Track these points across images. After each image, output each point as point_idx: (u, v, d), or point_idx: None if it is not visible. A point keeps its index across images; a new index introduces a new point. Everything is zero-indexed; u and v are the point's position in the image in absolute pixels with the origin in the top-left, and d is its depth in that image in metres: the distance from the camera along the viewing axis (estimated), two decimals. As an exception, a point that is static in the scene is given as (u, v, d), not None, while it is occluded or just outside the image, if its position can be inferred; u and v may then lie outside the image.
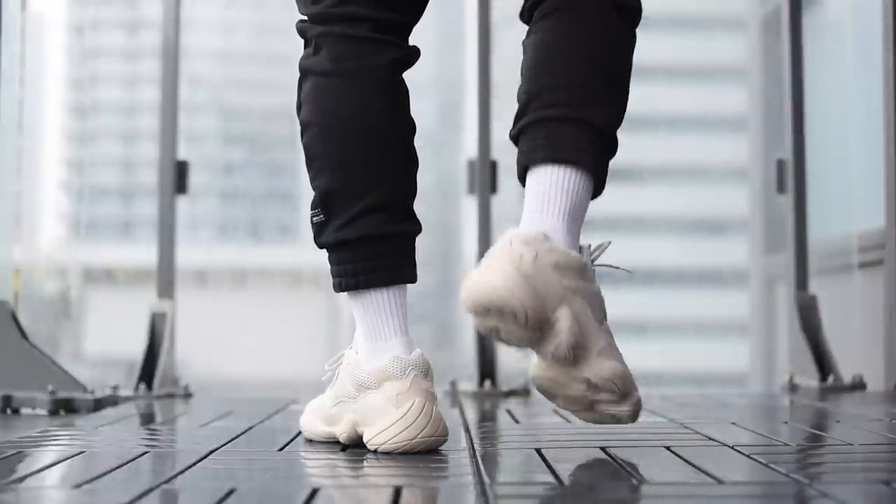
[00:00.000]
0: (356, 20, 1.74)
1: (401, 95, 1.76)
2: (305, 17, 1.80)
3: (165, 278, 3.25)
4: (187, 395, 3.00)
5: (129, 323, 3.57)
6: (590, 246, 1.66)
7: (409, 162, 1.75)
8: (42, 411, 2.57)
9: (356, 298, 1.73)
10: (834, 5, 4.20)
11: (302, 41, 1.82)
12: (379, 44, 1.74)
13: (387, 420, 1.66)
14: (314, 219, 1.73)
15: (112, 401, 2.71)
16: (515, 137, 1.71)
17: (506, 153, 3.32)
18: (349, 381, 1.73)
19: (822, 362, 3.17)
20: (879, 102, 3.26)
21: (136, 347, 3.15)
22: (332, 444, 1.79)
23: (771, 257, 5.44)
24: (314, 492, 1.33)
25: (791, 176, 3.41)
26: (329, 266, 1.75)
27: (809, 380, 3.14)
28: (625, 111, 1.72)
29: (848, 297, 3.54)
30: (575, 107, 1.66)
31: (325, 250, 1.75)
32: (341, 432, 1.75)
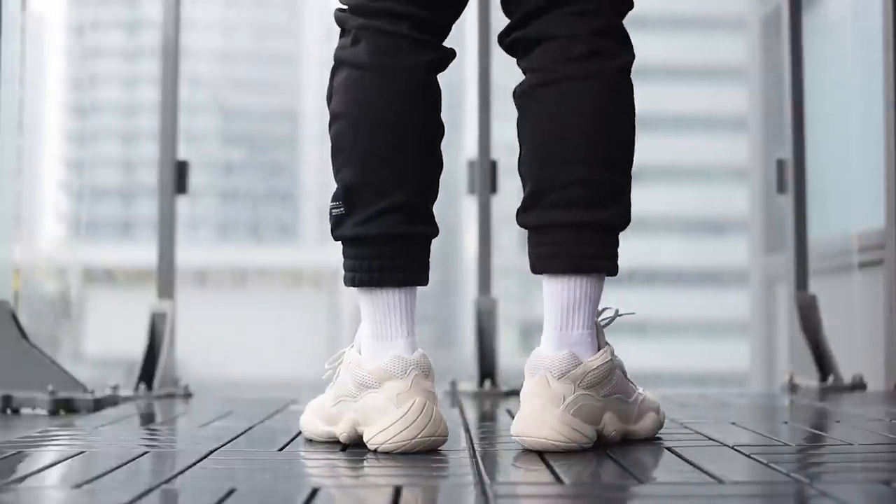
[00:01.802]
0: (397, 16, 1.73)
1: (433, 97, 1.75)
2: (345, 7, 1.77)
3: (165, 278, 3.25)
4: (187, 395, 3.00)
5: (129, 323, 3.56)
6: (602, 320, 1.76)
7: (435, 164, 1.75)
8: (42, 411, 2.57)
9: (367, 295, 1.73)
10: (834, 5, 4.20)
11: (338, 30, 1.81)
12: (418, 43, 1.74)
13: (387, 419, 1.66)
14: (334, 211, 1.73)
15: (112, 401, 2.71)
16: (525, 224, 1.75)
17: (506, 153, 3.32)
18: (350, 381, 1.72)
19: (822, 362, 3.17)
20: (879, 102, 3.26)
21: (136, 347, 3.15)
22: (333, 444, 1.79)
23: (771, 257, 5.44)
24: (314, 492, 1.33)
25: (791, 176, 3.41)
26: (343, 259, 1.75)
27: (809, 380, 3.14)
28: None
29: (848, 297, 3.54)
30: (595, 207, 1.68)
31: (340, 243, 1.75)
32: (341, 431, 1.75)
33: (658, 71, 6.22)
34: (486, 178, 3.35)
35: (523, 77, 1.77)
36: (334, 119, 1.74)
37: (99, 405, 2.62)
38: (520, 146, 1.77)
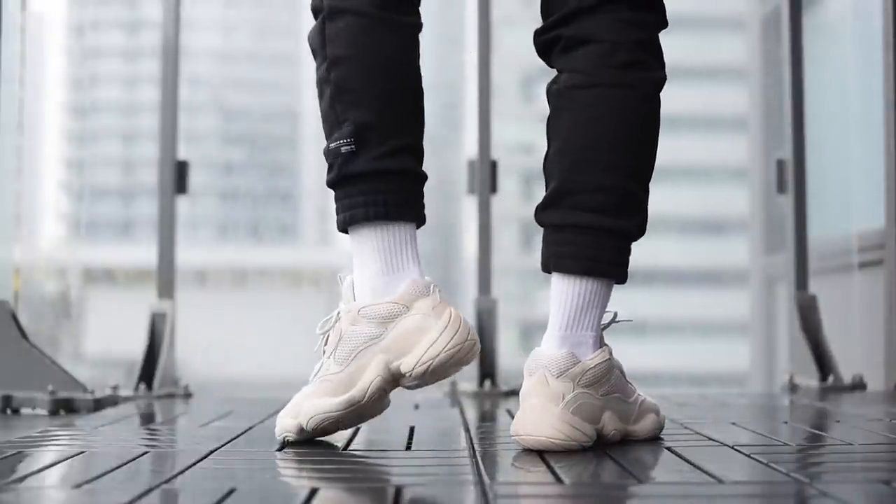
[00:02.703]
0: None
1: (419, 58, 1.81)
2: None
3: (165, 278, 3.25)
4: (187, 395, 3.00)
5: (129, 323, 3.56)
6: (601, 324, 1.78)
7: (424, 115, 1.81)
8: (42, 411, 2.57)
9: (379, 230, 1.72)
10: (834, 5, 4.20)
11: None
12: (410, 5, 1.79)
13: (433, 333, 1.67)
14: (343, 149, 1.72)
15: (112, 401, 2.71)
16: (544, 222, 1.77)
17: (506, 153, 3.32)
18: (367, 324, 1.70)
19: (822, 362, 3.17)
20: (879, 102, 3.26)
21: (136, 347, 3.15)
22: (332, 444, 1.78)
23: (771, 257, 5.44)
24: (314, 492, 1.33)
25: (791, 176, 3.41)
26: (343, 200, 1.73)
27: (809, 380, 3.14)
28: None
29: (848, 297, 3.54)
30: (614, 214, 1.72)
31: (342, 183, 1.73)
32: (370, 380, 1.69)
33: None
34: (486, 178, 3.35)
35: (558, 75, 1.80)
36: (337, 62, 1.74)
37: (99, 405, 2.62)
38: (549, 143, 1.79)
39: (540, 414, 1.65)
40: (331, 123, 1.75)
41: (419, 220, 1.76)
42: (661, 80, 1.78)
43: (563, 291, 1.72)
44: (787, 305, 3.41)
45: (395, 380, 1.71)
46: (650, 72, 1.77)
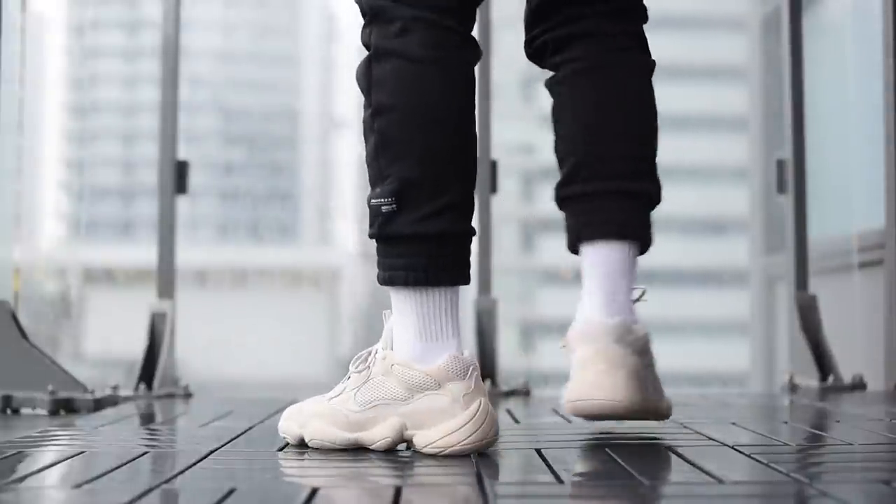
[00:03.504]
0: (443, 9, 1.70)
1: (474, 93, 1.76)
2: None
3: (165, 278, 3.25)
4: (187, 395, 3.00)
5: (129, 323, 3.56)
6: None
7: (476, 162, 1.75)
8: (42, 411, 2.57)
9: (418, 295, 1.68)
10: (834, 5, 4.20)
11: (364, 16, 1.75)
12: (465, 38, 1.73)
13: (456, 422, 1.63)
14: (383, 208, 1.66)
15: (112, 401, 2.71)
16: (564, 200, 1.78)
17: (506, 153, 3.32)
18: (396, 383, 1.66)
19: (822, 362, 3.17)
20: (879, 102, 3.25)
21: (136, 347, 3.15)
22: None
23: (771, 257, 5.44)
24: (314, 492, 1.33)
25: (791, 176, 3.41)
26: (384, 258, 1.69)
27: (809, 380, 3.14)
28: None
29: (848, 297, 3.54)
30: (635, 179, 1.79)
31: (381, 241, 1.69)
32: (381, 437, 1.67)
33: (658, 71, 6.20)
34: (486, 178, 3.34)
35: (556, 71, 1.87)
36: (381, 111, 1.68)
37: (99, 405, 2.62)
38: (557, 129, 1.85)
39: (609, 378, 1.70)
40: (374, 175, 1.69)
41: (462, 281, 1.70)
42: (653, 65, 1.92)
43: (601, 257, 1.76)
44: (787, 305, 3.40)
45: (404, 441, 1.69)
46: (643, 55, 1.91)
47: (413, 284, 1.67)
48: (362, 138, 1.72)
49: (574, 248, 1.80)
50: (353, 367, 1.72)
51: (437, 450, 1.64)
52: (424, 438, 1.65)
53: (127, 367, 3.46)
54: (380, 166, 1.68)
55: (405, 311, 1.69)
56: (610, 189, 1.76)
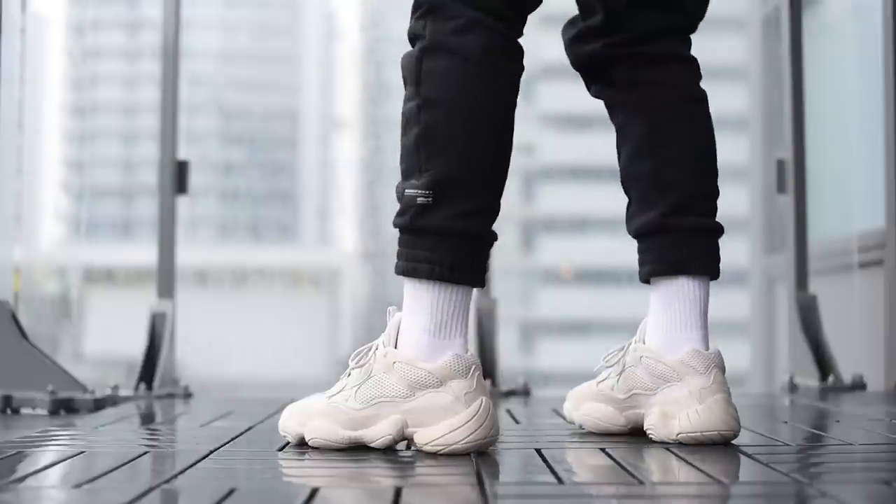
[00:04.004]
0: (501, 17, 1.72)
1: (516, 102, 1.77)
2: None
3: (165, 278, 3.25)
4: (187, 395, 3.00)
5: (129, 323, 3.56)
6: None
7: (508, 170, 1.77)
8: (42, 411, 2.57)
9: (436, 290, 1.68)
10: (834, 5, 4.20)
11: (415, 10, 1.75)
12: (516, 47, 1.75)
13: (458, 419, 1.63)
14: (419, 199, 1.66)
15: (112, 401, 2.71)
16: (673, 227, 1.85)
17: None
18: (398, 381, 1.67)
19: (822, 362, 3.17)
20: (879, 102, 3.26)
21: (136, 347, 3.15)
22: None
23: (771, 257, 5.44)
24: (314, 492, 1.33)
25: (791, 176, 3.41)
26: (407, 248, 1.68)
27: (809, 380, 3.14)
28: None
29: (848, 297, 3.54)
30: (716, 217, 1.88)
31: (411, 232, 1.68)
32: (383, 434, 1.67)
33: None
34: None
35: (636, 85, 1.90)
36: (429, 105, 1.68)
37: (99, 405, 2.62)
38: (651, 150, 1.88)
39: (727, 409, 1.77)
40: (410, 165, 1.69)
41: (480, 284, 1.71)
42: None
43: (695, 291, 1.84)
44: (787, 305, 3.40)
45: (405, 439, 1.69)
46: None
47: (437, 279, 1.67)
48: (401, 125, 1.71)
49: (649, 278, 1.87)
50: (353, 362, 1.72)
51: (438, 448, 1.63)
52: (425, 436, 1.65)
53: (127, 367, 3.47)
54: (419, 158, 1.68)
55: (419, 304, 1.69)
56: (711, 227, 1.86)
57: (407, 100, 1.71)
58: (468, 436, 1.63)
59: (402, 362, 1.67)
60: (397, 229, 1.71)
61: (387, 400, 1.67)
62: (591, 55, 1.91)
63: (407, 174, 1.69)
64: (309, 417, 1.73)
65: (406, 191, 1.68)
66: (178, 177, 3.29)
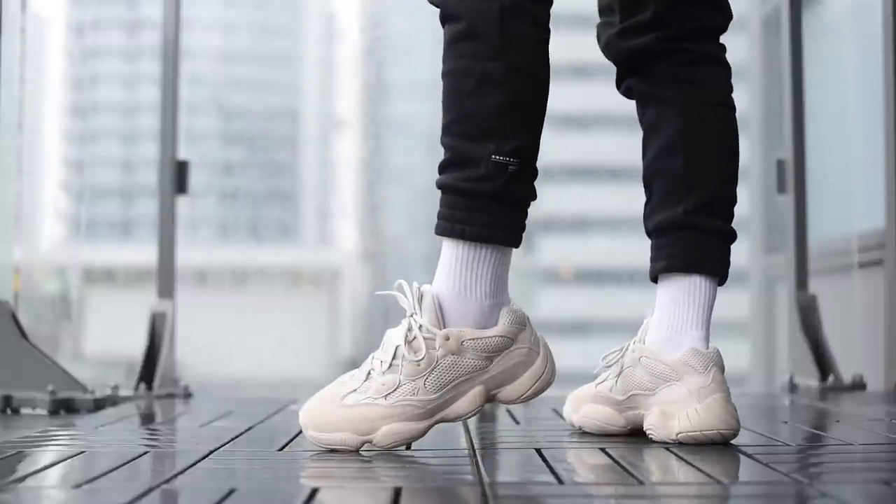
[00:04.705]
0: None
1: None
2: None
3: (165, 278, 3.25)
4: (187, 395, 3.00)
5: (129, 323, 3.56)
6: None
7: None
8: (42, 411, 2.57)
9: (497, 254, 1.69)
10: (834, 5, 4.20)
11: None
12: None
13: (537, 367, 1.72)
14: (510, 167, 1.65)
15: (112, 401, 2.71)
16: (691, 225, 1.87)
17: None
18: (472, 357, 1.68)
19: (822, 362, 3.17)
20: (879, 102, 3.25)
21: (136, 347, 3.15)
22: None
23: (771, 257, 5.44)
24: (314, 492, 1.33)
25: (791, 176, 3.41)
26: (471, 212, 1.67)
27: (809, 380, 3.14)
28: None
29: (848, 297, 3.54)
30: (731, 222, 1.93)
31: (495, 199, 1.66)
32: (470, 408, 1.69)
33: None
34: (486, 178, 3.34)
35: (674, 84, 1.91)
36: (518, 70, 1.67)
37: (99, 405, 2.62)
38: (683, 145, 1.89)
39: (726, 407, 1.77)
40: (488, 128, 1.66)
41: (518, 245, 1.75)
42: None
43: (704, 291, 1.85)
44: (787, 305, 3.40)
45: (489, 401, 1.73)
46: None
47: (506, 245, 1.70)
48: (458, 76, 1.68)
49: (661, 274, 1.88)
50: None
51: (527, 397, 1.71)
52: (512, 393, 1.71)
53: (127, 367, 3.47)
54: (503, 124, 1.66)
55: (477, 271, 1.69)
56: (728, 231, 1.90)
57: (479, 56, 1.66)
58: (550, 376, 1.73)
59: (473, 339, 1.67)
60: (465, 193, 1.67)
61: (466, 378, 1.68)
62: (639, 49, 1.91)
63: (482, 136, 1.66)
64: (369, 424, 1.67)
65: (494, 157, 1.65)
66: (178, 177, 3.29)
